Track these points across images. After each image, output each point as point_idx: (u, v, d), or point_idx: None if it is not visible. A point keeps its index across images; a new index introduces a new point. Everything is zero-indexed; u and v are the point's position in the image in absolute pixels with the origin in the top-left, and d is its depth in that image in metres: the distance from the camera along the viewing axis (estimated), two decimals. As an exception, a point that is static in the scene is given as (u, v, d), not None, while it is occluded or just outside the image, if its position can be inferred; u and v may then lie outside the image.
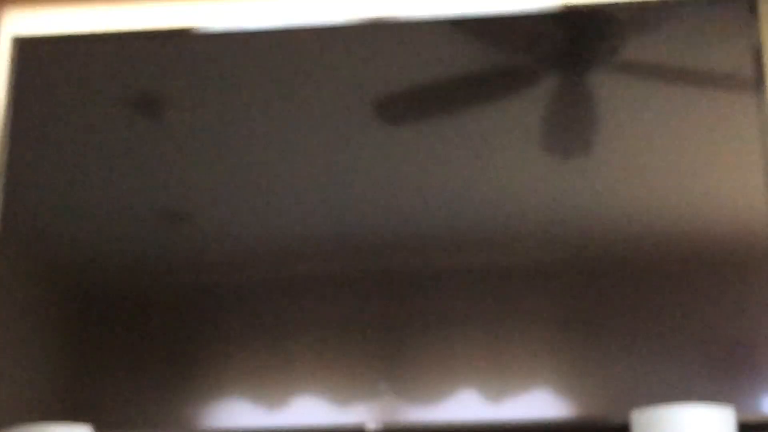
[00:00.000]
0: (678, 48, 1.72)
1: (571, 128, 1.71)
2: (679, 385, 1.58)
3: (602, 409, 1.58)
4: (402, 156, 1.72)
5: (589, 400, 1.59)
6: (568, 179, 1.68)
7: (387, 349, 1.63)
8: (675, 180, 1.67)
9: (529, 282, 1.64)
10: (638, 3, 1.75)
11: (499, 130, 1.72)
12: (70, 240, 1.73)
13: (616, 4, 1.76)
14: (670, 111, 1.70)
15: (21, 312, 1.70)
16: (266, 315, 1.66)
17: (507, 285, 1.64)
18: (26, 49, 1.81)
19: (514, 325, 1.63)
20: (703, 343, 1.59)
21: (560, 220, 1.66)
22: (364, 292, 1.66)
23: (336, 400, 1.61)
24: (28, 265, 1.73)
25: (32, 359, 1.68)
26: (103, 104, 1.78)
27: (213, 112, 1.76)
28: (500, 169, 1.70)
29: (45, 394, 1.66)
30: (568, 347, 1.61)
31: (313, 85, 1.76)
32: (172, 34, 1.81)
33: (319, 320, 1.65)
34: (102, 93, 1.78)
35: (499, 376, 1.61)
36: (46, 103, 1.78)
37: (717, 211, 1.65)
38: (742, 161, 1.66)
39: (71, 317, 1.69)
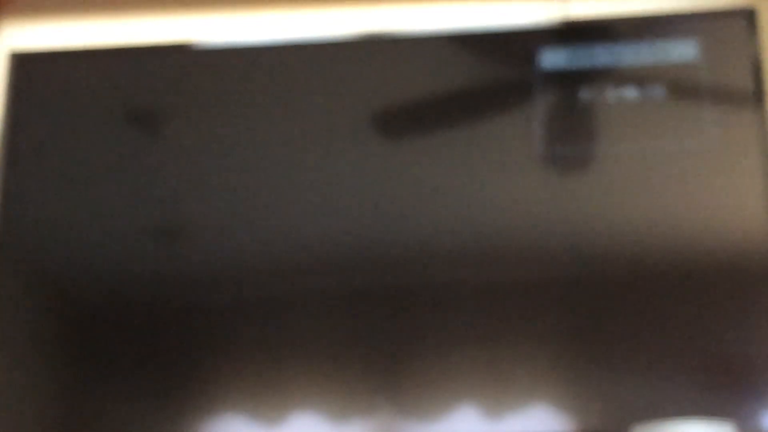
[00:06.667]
0: (677, 62, 1.72)
1: (570, 143, 1.70)
2: (679, 401, 1.57)
3: (602, 425, 1.57)
4: (401, 171, 1.71)
5: (588, 416, 1.58)
6: (567, 194, 1.68)
7: (386, 365, 1.63)
8: (674, 195, 1.66)
9: (528, 298, 1.64)
10: (637, 17, 1.75)
11: (498, 144, 1.71)
12: (67, 256, 1.72)
13: (615, 18, 1.76)
14: (669, 125, 1.69)
15: (15, 329, 1.69)
16: (263, 331, 1.66)
17: (506, 301, 1.64)
18: (23, 64, 1.81)
19: (513, 341, 1.62)
20: (703, 359, 1.59)
21: (559, 235, 1.66)
22: (363, 307, 1.65)
23: (334, 416, 1.61)
24: (23, 281, 1.72)
25: (26, 375, 1.67)
26: (101, 119, 1.78)
27: (211, 127, 1.76)
28: (499, 184, 1.69)
29: (38, 409, 1.65)
30: (568, 363, 1.60)
31: (311, 100, 1.76)
32: (170, 49, 1.81)
33: (317, 336, 1.65)
34: (99, 108, 1.78)
35: (498, 392, 1.60)
36: (42, 118, 1.78)
37: (716, 226, 1.64)
38: (742, 176, 1.66)
39: (66, 333, 1.69)
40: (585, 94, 1.72)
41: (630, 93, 1.71)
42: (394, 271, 1.66)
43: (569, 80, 1.72)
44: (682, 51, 1.72)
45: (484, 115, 1.72)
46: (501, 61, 1.75)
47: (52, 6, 1.88)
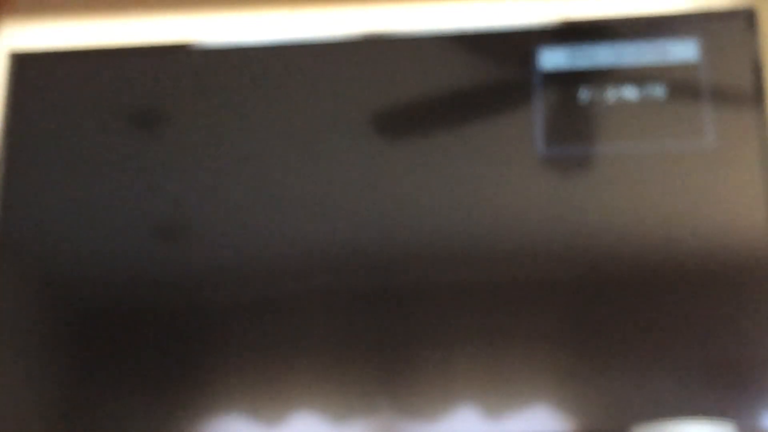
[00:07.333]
0: (677, 62, 1.72)
1: (570, 143, 1.70)
2: (680, 401, 1.57)
3: (602, 425, 1.57)
4: (401, 171, 1.71)
5: (588, 416, 1.58)
6: (567, 194, 1.68)
7: (386, 365, 1.63)
8: (674, 195, 1.66)
9: (528, 298, 1.63)
10: (637, 17, 1.75)
11: (498, 144, 1.71)
12: (67, 256, 1.72)
13: (615, 18, 1.76)
14: (669, 125, 1.69)
15: (15, 328, 1.69)
16: (263, 331, 1.65)
17: (506, 301, 1.64)
18: (23, 64, 1.81)
19: (513, 341, 1.62)
20: (703, 358, 1.59)
21: (559, 235, 1.65)
22: (363, 308, 1.65)
23: (334, 416, 1.61)
24: (23, 280, 1.72)
25: (26, 375, 1.67)
26: (101, 119, 1.77)
27: (210, 127, 1.75)
28: (499, 185, 1.69)
29: (37, 409, 1.65)
30: (568, 363, 1.60)
31: (311, 100, 1.76)
32: (170, 49, 1.80)
33: (317, 336, 1.64)
34: (99, 108, 1.78)
35: (498, 392, 1.60)
36: (43, 118, 1.78)
37: (716, 226, 1.64)
38: (742, 176, 1.66)
39: (66, 334, 1.69)
40: (585, 94, 1.72)
41: (630, 93, 1.71)
42: (394, 271, 1.66)
43: (569, 80, 1.72)
44: (682, 51, 1.72)
45: (484, 115, 1.72)
46: (500, 61, 1.75)
47: (52, 6, 1.88)
